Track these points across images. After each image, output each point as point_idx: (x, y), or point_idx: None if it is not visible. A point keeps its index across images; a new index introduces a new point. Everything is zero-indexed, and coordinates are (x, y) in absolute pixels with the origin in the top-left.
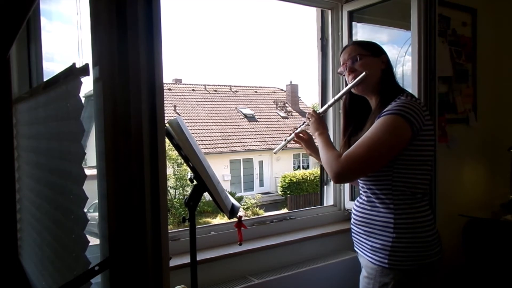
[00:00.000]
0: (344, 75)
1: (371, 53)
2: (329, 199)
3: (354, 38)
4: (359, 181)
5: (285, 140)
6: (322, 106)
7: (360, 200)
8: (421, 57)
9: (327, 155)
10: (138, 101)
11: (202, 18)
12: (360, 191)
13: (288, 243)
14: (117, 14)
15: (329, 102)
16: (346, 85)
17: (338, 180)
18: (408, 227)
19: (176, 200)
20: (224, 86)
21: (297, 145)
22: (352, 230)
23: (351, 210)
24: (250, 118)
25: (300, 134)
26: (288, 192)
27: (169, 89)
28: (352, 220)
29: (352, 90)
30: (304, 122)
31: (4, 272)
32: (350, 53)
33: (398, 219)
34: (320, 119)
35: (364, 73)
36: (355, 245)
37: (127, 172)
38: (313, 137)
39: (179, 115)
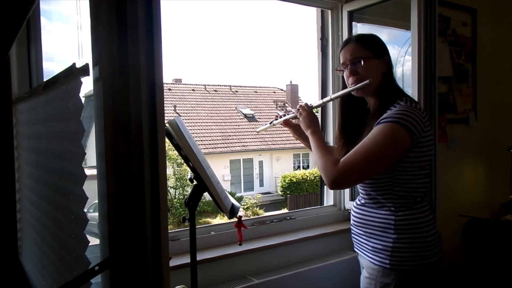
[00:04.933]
0: (343, 74)
1: (374, 54)
2: (329, 199)
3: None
4: (358, 186)
5: (271, 123)
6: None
7: (359, 202)
8: (421, 57)
9: (323, 159)
10: (138, 101)
11: (202, 18)
12: (360, 193)
13: (288, 243)
14: (117, 14)
15: (325, 99)
16: (344, 83)
17: (334, 186)
18: (409, 227)
19: (176, 200)
20: (224, 86)
21: (297, 145)
22: (352, 231)
23: (351, 210)
24: (250, 118)
25: (289, 121)
26: (288, 192)
27: (169, 89)
28: (352, 221)
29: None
30: (293, 112)
31: (4, 272)
32: (352, 53)
33: (399, 220)
34: (312, 115)
35: (367, 81)
36: (355, 245)
37: (127, 172)
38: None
39: (179, 115)
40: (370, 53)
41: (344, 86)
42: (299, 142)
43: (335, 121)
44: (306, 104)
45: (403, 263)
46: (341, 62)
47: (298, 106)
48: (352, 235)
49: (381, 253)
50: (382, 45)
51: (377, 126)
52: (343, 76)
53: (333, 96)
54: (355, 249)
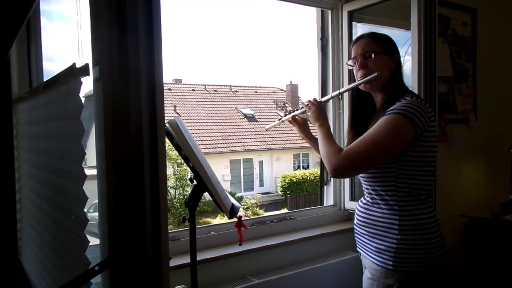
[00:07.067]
0: (353, 68)
1: (385, 51)
2: (329, 199)
3: (354, 38)
4: (363, 182)
5: (280, 119)
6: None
7: (364, 201)
8: (421, 57)
9: (327, 148)
10: (138, 101)
11: (202, 18)
12: (364, 192)
13: (288, 243)
14: (117, 14)
15: (333, 93)
16: (351, 79)
17: (336, 174)
18: (413, 228)
19: (176, 200)
20: (224, 86)
21: (297, 145)
22: (355, 231)
23: (351, 210)
24: (250, 118)
25: (296, 117)
26: (288, 192)
27: (169, 89)
28: (356, 220)
29: (359, 86)
30: (302, 107)
31: (4, 272)
32: (364, 48)
33: (403, 220)
34: (321, 109)
35: (376, 74)
36: (357, 245)
37: (127, 172)
38: (312, 126)
39: (179, 115)
40: (381, 49)
41: (353, 82)
42: (299, 142)
43: (335, 117)
44: (314, 99)
45: (406, 265)
46: (352, 56)
47: (306, 101)
48: (355, 234)
49: (384, 254)
50: (393, 44)
51: (382, 117)
52: (351, 72)
53: (341, 90)
54: (357, 248)
